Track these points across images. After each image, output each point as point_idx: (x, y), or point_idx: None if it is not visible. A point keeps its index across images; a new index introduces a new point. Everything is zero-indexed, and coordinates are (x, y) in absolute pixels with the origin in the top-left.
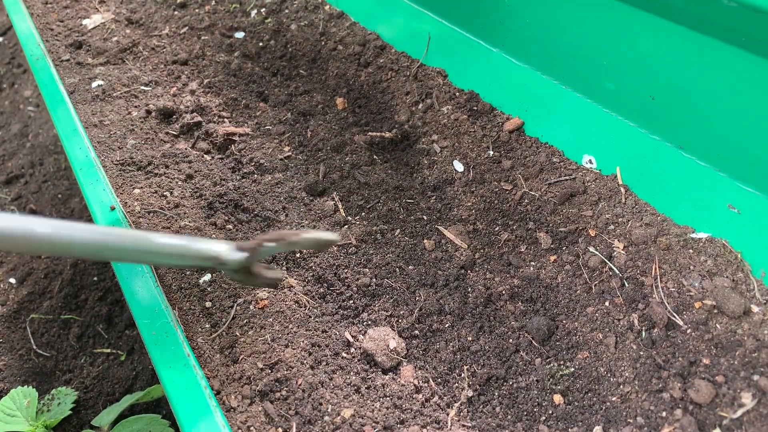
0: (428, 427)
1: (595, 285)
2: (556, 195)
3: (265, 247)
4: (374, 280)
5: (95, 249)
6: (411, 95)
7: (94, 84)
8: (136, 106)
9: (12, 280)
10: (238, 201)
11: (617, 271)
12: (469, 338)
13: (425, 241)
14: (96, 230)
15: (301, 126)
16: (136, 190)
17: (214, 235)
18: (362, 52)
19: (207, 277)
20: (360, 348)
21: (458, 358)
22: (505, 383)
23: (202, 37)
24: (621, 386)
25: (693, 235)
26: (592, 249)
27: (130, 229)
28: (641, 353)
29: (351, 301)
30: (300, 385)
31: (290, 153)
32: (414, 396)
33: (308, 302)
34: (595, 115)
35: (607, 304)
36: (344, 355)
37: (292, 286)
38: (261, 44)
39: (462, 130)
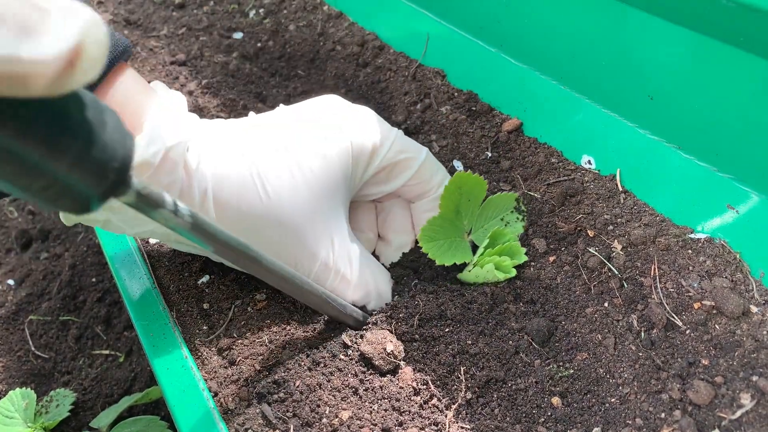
0: (427, 429)
1: (594, 286)
2: (554, 195)
3: None
4: None
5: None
6: (409, 95)
7: None
8: None
9: (10, 282)
10: None
11: (616, 272)
12: (469, 341)
13: None
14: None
15: None
16: None
17: None
18: (361, 52)
19: (205, 278)
20: (358, 351)
21: (457, 360)
22: (504, 385)
23: (201, 38)
24: (620, 387)
25: (692, 236)
26: (591, 250)
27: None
28: (640, 354)
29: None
30: (298, 386)
31: None
32: (412, 398)
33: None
34: (594, 115)
35: (606, 305)
36: (342, 357)
37: None
38: (259, 45)
39: (461, 131)
